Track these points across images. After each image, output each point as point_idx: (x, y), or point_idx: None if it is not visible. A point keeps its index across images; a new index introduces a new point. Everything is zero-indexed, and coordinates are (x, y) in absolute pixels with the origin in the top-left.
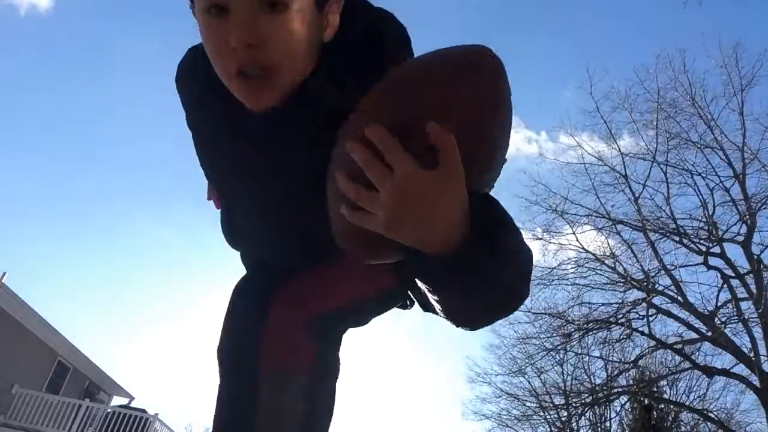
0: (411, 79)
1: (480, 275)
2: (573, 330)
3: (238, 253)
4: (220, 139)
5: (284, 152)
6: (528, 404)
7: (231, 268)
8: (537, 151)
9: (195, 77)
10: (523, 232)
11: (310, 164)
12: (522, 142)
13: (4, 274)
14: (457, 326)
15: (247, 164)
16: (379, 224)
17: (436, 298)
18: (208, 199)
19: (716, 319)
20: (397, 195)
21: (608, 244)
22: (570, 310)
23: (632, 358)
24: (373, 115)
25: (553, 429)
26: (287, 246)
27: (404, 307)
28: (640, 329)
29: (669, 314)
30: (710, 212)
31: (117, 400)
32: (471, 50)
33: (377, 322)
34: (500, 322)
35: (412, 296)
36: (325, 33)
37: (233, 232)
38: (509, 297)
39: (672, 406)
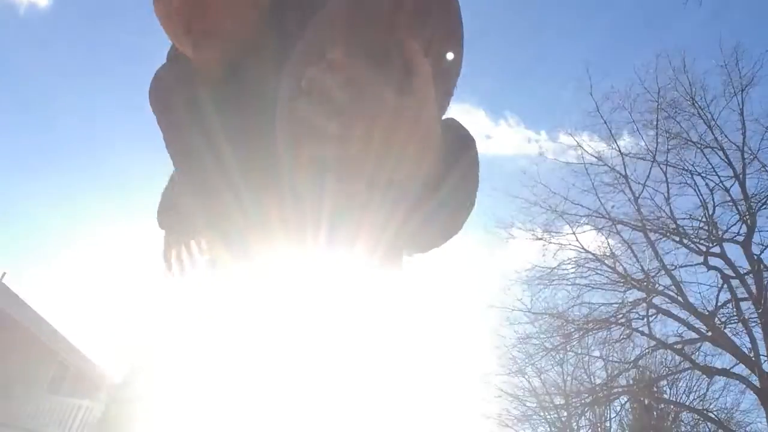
0: None
1: (453, 200)
2: (573, 330)
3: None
4: (187, 113)
5: (248, 107)
6: (528, 404)
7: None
8: (537, 151)
9: (163, 75)
10: (522, 232)
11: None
12: (522, 142)
13: (4, 274)
14: (412, 253)
15: (212, 129)
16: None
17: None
18: (165, 261)
19: (716, 319)
20: (372, 127)
21: (608, 244)
22: (570, 310)
23: (632, 358)
24: (330, 38)
25: (553, 429)
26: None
27: None
28: (640, 329)
29: (669, 314)
30: (710, 212)
31: None
32: None
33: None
34: (500, 322)
35: None
36: None
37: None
38: (465, 215)
39: (672, 406)
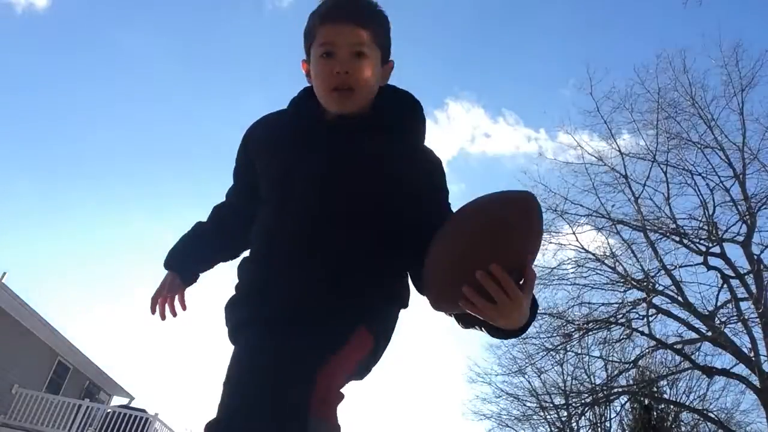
0: (506, 229)
1: (529, 325)
2: (573, 330)
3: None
4: (294, 145)
5: (342, 150)
6: (528, 404)
7: (233, 268)
8: (536, 150)
9: (265, 124)
10: None
11: (359, 164)
12: (521, 141)
13: (4, 274)
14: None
15: (314, 158)
16: (491, 319)
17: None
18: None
19: (716, 319)
20: (512, 311)
21: (608, 244)
22: (570, 310)
23: (632, 358)
24: (489, 256)
25: (553, 429)
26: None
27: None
28: (640, 329)
29: (669, 314)
30: (710, 212)
31: (117, 400)
32: (522, 198)
33: None
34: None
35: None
36: (381, 80)
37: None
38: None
39: (672, 406)
